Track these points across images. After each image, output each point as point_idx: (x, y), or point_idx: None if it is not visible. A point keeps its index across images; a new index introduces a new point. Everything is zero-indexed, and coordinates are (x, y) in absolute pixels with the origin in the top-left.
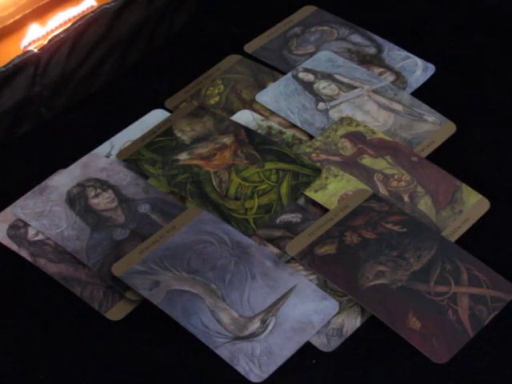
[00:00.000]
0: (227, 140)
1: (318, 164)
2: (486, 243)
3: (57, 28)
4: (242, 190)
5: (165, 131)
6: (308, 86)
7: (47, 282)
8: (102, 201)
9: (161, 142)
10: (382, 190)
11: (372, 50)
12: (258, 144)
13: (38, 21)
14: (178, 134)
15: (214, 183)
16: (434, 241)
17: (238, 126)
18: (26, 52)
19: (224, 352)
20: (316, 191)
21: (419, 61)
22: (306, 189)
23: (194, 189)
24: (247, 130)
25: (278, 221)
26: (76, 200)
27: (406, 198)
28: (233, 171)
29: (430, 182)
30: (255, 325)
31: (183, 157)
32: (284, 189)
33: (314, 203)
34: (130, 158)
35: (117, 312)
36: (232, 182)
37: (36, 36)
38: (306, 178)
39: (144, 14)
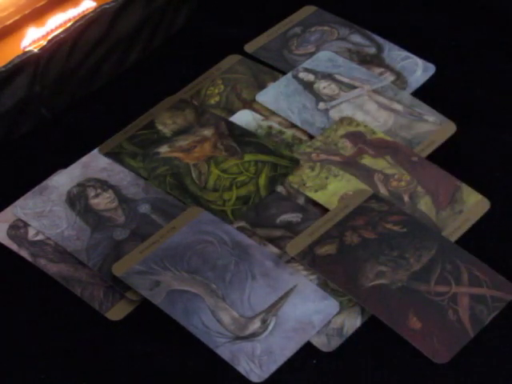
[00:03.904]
0: (207, 132)
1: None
2: (486, 243)
3: (57, 28)
4: (221, 181)
5: (146, 124)
6: (308, 86)
7: (47, 281)
8: (102, 201)
9: (142, 135)
10: (382, 190)
11: (372, 50)
12: (237, 136)
13: (38, 21)
14: (160, 127)
15: (194, 175)
16: (434, 241)
17: (218, 118)
18: (25, 52)
19: (224, 352)
20: (316, 191)
21: (419, 61)
22: (285, 180)
23: (173, 181)
24: (227, 122)
25: (278, 221)
26: (76, 200)
27: (406, 198)
28: (212, 163)
29: (430, 182)
30: (256, 325)
31: (164, 149)
32: (262, 180)
33: (314, 203)
34: (112, 152)
35: (117, 312)
36: (211, 174)
37: (36, 36)
38: (285, 169)
39: (144, 14)
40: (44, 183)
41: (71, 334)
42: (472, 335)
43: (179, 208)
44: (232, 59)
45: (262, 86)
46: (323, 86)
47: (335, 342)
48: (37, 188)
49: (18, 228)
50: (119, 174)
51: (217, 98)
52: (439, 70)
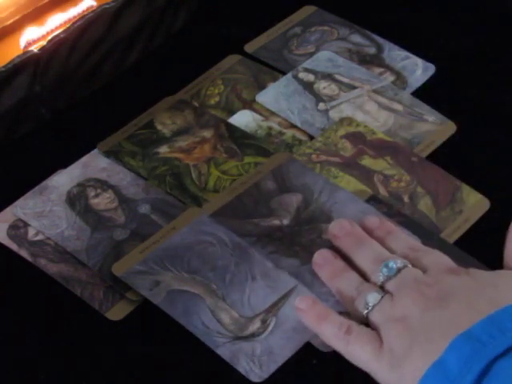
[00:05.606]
0: (207, 134)
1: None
2: (486, 243)
3: (57, 28)
4: (221, 182)
5: (146, 124)
6: (308, 86)
7: (47, 281)
8: (102, 201)
9: (141, 135)
10: (382, 191)
11: (372, 50)
12: (237, 138)
13: (38, 21)
14: (159, 127)
15: (193, 176)
16: (433, 243)
17: (218, 120)
18: (25, 52)
19: (224, 352)
20: None
21: (419, 61)
22: None
23: (173, 181)
24: (227, 124)
25: None
26: (76, 200)
27: (405, 199)
28: (212, 164)
29: (430, 182)
30: (256, 325)
31: (163, 149)
32: None
33: None
34: (111, 150)
35: (117, 312)
36: (211, 174)
37: (36, 36)
38: None
39: (144, 13)
40: (44, 183)
41: (71, 333)
42: None
43: (179, 208)
44: (232, 59)
45: (262, 86)
46: (323, 87)
47: None
48: (37, 188)
49: (18, 228)
50: (119, 174)
51: (217, 98)
52: (439, 70)
